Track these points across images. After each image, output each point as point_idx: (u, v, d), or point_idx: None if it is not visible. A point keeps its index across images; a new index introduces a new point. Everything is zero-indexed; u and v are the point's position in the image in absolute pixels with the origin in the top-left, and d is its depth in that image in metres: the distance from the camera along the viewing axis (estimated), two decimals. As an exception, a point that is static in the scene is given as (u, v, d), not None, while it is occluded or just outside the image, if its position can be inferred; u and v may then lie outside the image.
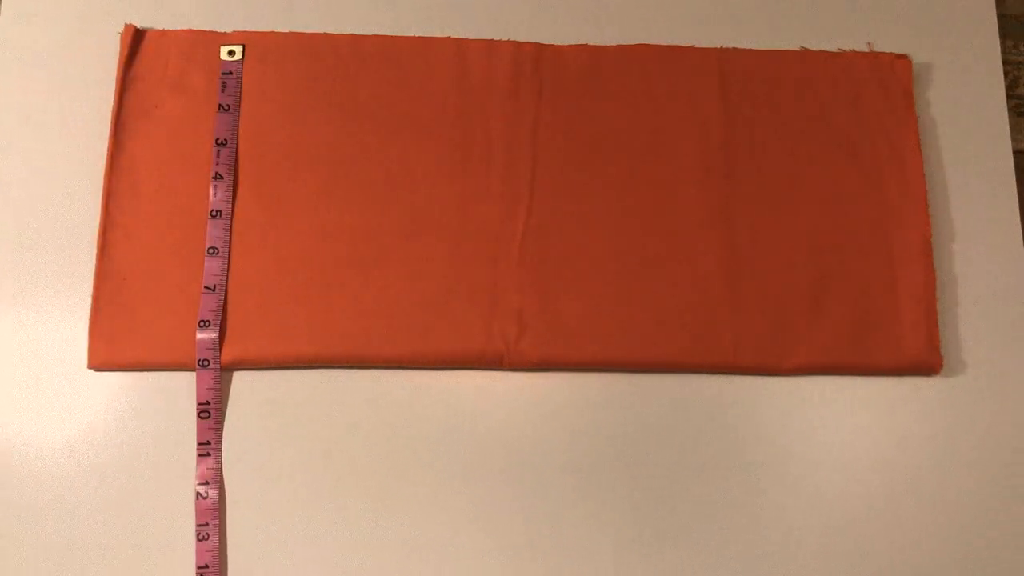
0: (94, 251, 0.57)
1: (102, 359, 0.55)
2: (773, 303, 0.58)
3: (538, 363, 0.57)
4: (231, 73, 0.60)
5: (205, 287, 0.56)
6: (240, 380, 0.56)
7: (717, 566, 0.55)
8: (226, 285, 0.57)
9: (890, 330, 0.58)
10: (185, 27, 0.61)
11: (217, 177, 0.58)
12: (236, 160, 0.59)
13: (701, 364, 0.57)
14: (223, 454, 0.55)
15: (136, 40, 0.60)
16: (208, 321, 0.55)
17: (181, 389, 0.56)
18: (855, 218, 0.60)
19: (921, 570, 0.55)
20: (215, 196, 0.58)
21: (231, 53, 0.61)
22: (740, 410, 0.57)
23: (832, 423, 0.58)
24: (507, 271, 0.58)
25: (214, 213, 0.58)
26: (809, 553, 0.55)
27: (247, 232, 0.58)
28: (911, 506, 0.56)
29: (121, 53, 0.60)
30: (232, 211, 0.58)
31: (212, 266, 0.57)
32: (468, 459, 0.56)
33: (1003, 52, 0.65)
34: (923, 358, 0.58)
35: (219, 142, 0.58)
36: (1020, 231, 0.61)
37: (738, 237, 0.59)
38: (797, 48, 0.64)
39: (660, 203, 0.59)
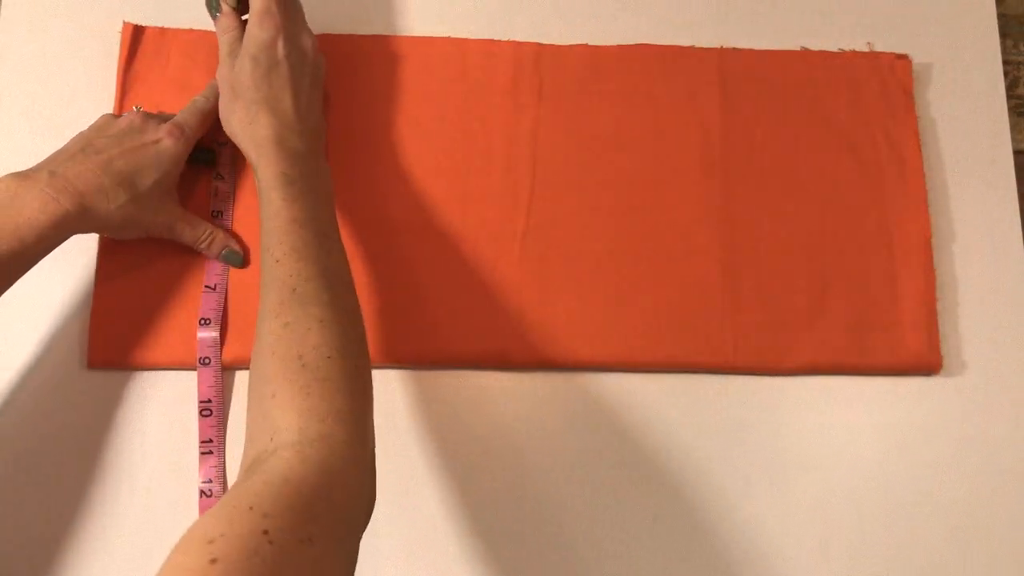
0: (95, 250, 0.57)
1: (102, 358, 0.55)
2: (773, 303, 0.58)
3: (538, 363, 0.57)
4: None
5: (206, 286, 0.56)
6: (242, 379, 0.56)
7: (717, 565, 0.55)
8: (227, 284, 0.56)
9: (890, 330, 0.58)
10: (186, 26, 0.61)
11: (217, 177, 0.58)
12: (237, 160, 0.59)
13: (701, 364, 0.57)
14: (225, 453, 0.55)
15: (136, 38, 0.60)
16: (209, 319, 0.55)
17: (182, 388, 0.56)
18: (855, 218, 0.60)
19: (921, 569, 0.55)
20: (216, 196, 0.58)
21: None
22: (740, 410, 0.57)
23: (832, 423, 0.58)
24: (507, 271, 0.58)
25: (215, 213, 0.58)
26: (809, 552, 0.55)
27: (248, 231, 0.58)
28: (911, 506, 0.56)
29: (121, 52, 0.60)
30: (233, 210, 0.58)
31: (213, 265, 0.57)
32: (469, 459, 0.56)
33: (1003, 52, 0.65)
34: (923, 358, 0.58)
35: (219, 143, 0.58)
36: (1020, 231, 0.61)
37: (738, 237, 0.59)
38: (797, 48, 0.64)
39: (660, 203, 0.59)
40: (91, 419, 0.55)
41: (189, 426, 0.55)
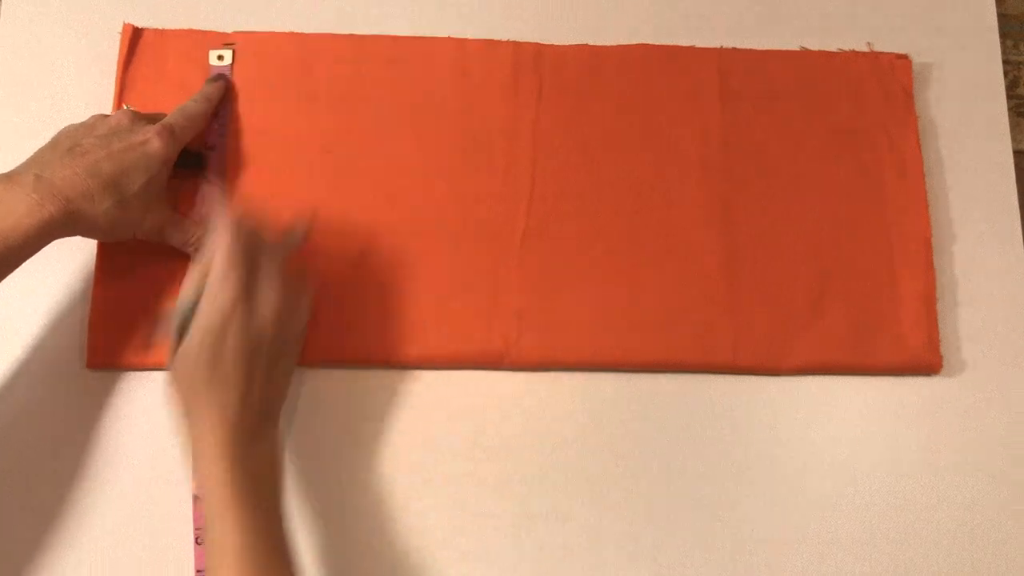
0: (94, 250, 0.57)
1: (101, 358, 0.55)
2: (773, 303, 0.58)
3: (538, 363, 0.57)
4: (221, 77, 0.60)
5: (205, 287, 0.56)
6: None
7: (717, 565, 0.55)
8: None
9: (890, 330, 0.58)
10: (187, 26, 0.61)
11: (206, 181, 0.58)
12: (235, 161, 0.59)
13: (701, 364, 0.57)
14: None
15: (135, 39, 0.60)
16: (208, 321, 0.55)
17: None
18: (855, 218, 0.60)
19: (921, 569, 0.55)
20: (204, 200, 0.58)
21: (220, 58, 0.60)
22: (740, 410, 0.57)
23: (832, 423, 0.58)
24: (507, 271, 0.58)
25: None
26: (809, 552, 0.55)
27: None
28: (911, 505, 0.56)
29: (120, 52, 0.60)
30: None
31: (212, 266, 0.56)
32: (468, 459, 0.56)
33: (1003, 52, 0.65)
34: (923, 358, 0.58)
35: (208, 147, 0.58)
36: (1020, 231, 0.61)
37: (738, 237, 0.59)
38: (797, 48, 0.64)
39: (660, 203, 0.59)
40: (90, 419, 0.55)
41: (189, 426, 0.55)
